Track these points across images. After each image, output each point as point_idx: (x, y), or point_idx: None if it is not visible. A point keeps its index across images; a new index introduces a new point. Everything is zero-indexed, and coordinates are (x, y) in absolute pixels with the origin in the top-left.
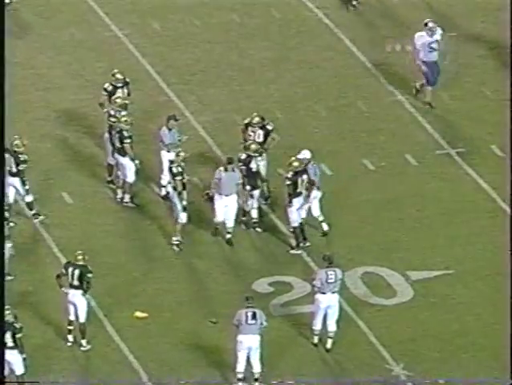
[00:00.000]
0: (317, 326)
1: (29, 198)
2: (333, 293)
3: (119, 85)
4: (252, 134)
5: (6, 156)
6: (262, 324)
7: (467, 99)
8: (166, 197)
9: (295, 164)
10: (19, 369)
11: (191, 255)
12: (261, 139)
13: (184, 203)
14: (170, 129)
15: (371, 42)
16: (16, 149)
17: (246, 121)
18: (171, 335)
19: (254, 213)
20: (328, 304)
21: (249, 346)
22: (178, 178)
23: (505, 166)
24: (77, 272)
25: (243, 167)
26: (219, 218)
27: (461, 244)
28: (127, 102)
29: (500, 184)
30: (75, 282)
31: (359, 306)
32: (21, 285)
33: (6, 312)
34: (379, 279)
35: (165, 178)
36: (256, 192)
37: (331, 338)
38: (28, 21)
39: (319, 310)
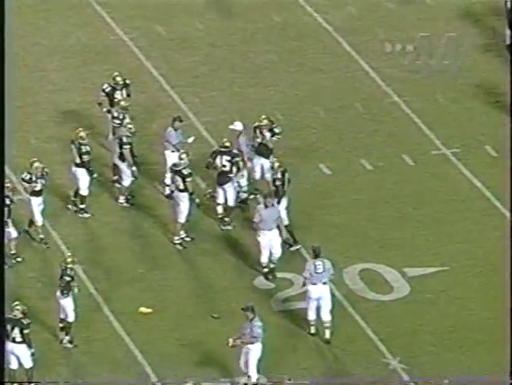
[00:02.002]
0: (311, 316)
1: (85, 192)
2: (324, 284)
3: (119, 87)
4: (259, 135)
5: (71, 146)
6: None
7: (462, 101)
8: (170, 196)
9: (277, 164)
10: (28, 363)
11: (194, 252)
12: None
13: (198, 201)
14: (176, 130)
15: (369, 45)
16: (80, 141)
17: (255, 124)
18: (175, 330)
19: (220, 209)
20: (320, 295)
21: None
22: (189, 179)
23: (499, 166)
24: (60, 272)
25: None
26: (265, 258)
27: (455, 241)
28: (128, 103)
29: (494, 184)
30: (59, 282)
31: (357, 302)
32: (29, 282)
33: (16, 307)
34: (376, 276)
35: (169, 178)
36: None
37: (327, 328)
38: (36, 25)
39: (311, 300)
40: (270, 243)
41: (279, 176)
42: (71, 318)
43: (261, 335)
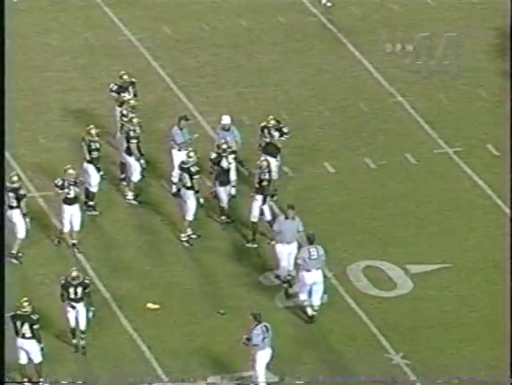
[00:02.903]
0: (304, 297)
1: (95, 189)
2: (317, 269)
3: (126, 85)
4: (267, 135)
5: (82, 143)
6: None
7: (464, 101)
8: (176, 194)
9: (265, 163)
10: (37, 358)
11: (200, 249)
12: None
13: (202, 201)
14: (181, 129)
15: (372, 45)
16: (90, 138)
17: (263, 124)
18: (181, 326)
19: (233, 191)
20: (314, 280)
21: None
22: (196, 177)
23: (500, 165)
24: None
25: (214, 166)
26: (283, 271)
27: (457, 239)
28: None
29: (495, 182)
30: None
31: (360, 298)
32: (38, 278)
33: (25, 304)
34: (380, 272)
35: (176, 176)
36: (228, 188)
37: (316, 311)
38: (45, 26)
39: (305, 286)
40: (288, 256)
41: (266, 176)
42: (81, 325)
43: (259, 343)
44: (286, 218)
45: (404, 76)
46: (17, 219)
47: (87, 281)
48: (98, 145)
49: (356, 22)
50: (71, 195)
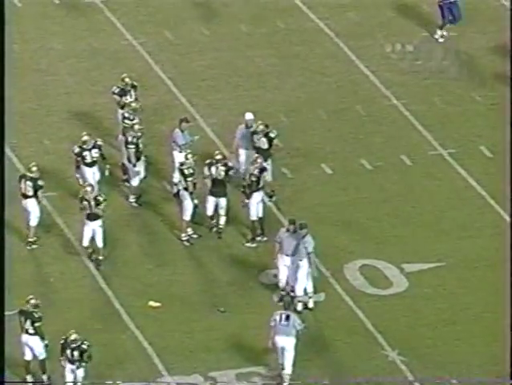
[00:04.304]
0: (300, 293)
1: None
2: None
3: (128, 89)
4: (257, 141)
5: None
6: (295, 327)
7: (458, 103)
8: (177, 195)
9: (259, 160)
10: (41, 354)
11: (200, 248)
12: (266, 146)
13: (196, 202)
14: (183, 131)
15: (369, 49)
16: (83, 146)
17: (252, 129)
18: (182, 323)
19: (222, 220)
20: (308, 269)
21: (282, 346)
22: (190, 179)
23: (494, 166)
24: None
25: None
26: (283, 281)
27: (452, 238)
28: (138, 105)
29: (489, 183)
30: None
31: (357, 296)
32: (42, 276)
33: (32, 301)
34: (376, 271)
35: (177, 177)
36: (222, 200)
37: (311, 297)
38: (50, 31)
39: (307, 275)
40: (287, 269)
41: (256, 172)
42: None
43: (271, 325)
44: (287, 231)
45: (400, 80)
46: (32, 208)
47: (84, 346)
48: (76, 150)
49: (353, 27)
50: (97, 212)
